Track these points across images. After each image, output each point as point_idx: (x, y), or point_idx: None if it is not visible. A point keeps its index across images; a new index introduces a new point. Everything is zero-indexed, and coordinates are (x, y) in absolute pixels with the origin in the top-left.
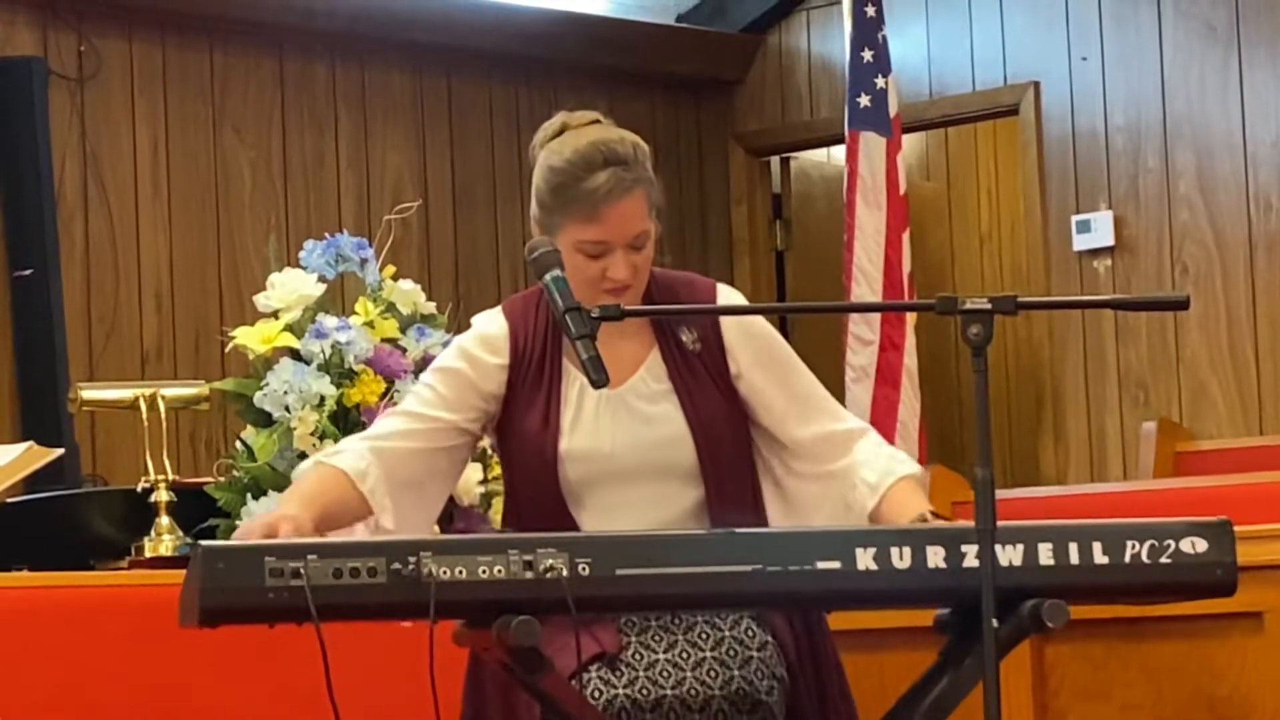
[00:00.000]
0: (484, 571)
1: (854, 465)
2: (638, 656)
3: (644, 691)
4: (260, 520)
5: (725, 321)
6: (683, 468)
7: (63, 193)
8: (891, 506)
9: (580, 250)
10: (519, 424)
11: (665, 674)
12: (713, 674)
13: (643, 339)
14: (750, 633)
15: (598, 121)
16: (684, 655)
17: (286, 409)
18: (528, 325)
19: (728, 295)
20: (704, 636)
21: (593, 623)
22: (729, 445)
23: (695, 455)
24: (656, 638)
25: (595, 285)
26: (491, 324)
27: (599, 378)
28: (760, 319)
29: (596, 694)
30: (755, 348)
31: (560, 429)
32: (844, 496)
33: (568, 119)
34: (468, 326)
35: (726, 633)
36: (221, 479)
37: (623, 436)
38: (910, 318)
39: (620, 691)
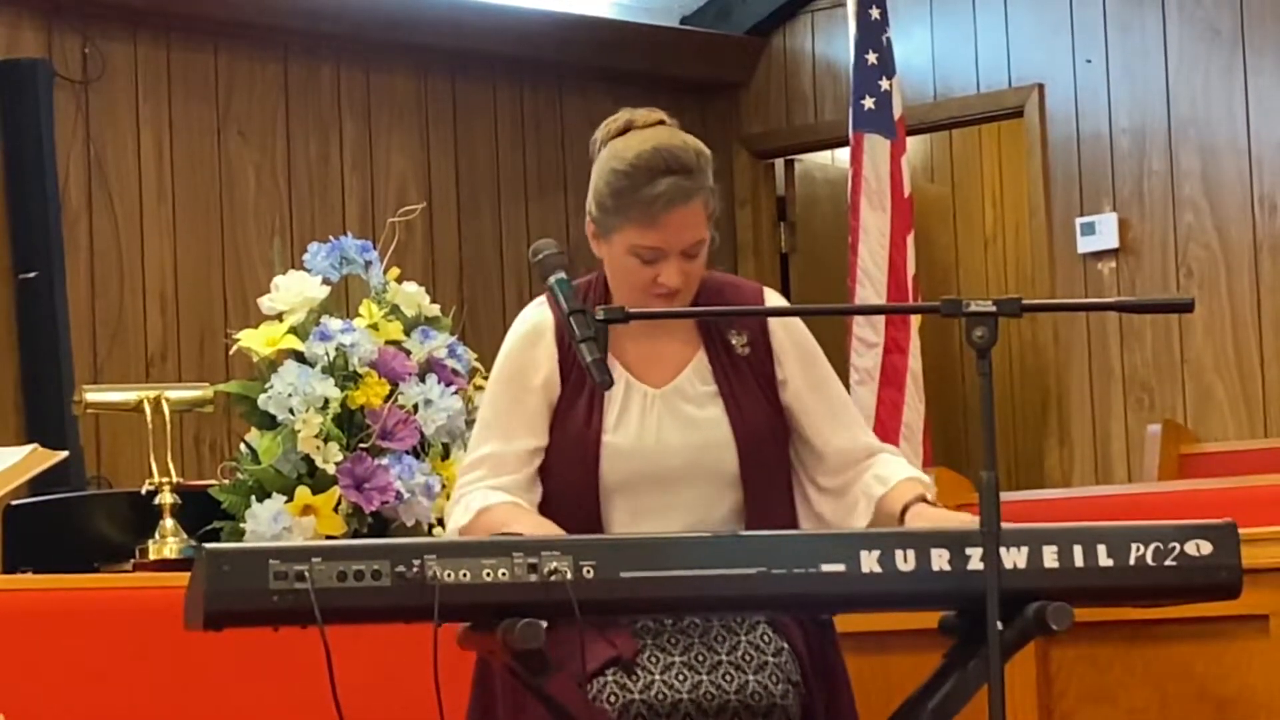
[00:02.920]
0: (488, 574)
1: (871, 464)
2: (653, 660)
3: (660, 696)
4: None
5: (772, 326)
6: (724, 473)
7: (67, 195)
8: (897, 492)
9: (634, 254)
10: (562, 418)
11: (681, 678)
12: (728, 678)
13: (690, 339)
14: (766, 638)
15: (663, 122)
16: (699, 659)
17: (291, 411)
18: None
19: (773, 300)
20: (720, 640)
21: (608, 627)
22: (771, 453)
23: (738, 461)
24: (673, 641)
25: (646, 290)
26: (536, 321)
27: (603, 380)
28: (801, 324)
29: (613, 698)
30: (801, 354)
31: (604, 426)
32: (859, 492)
33: (633, 117)
34: (472, 329)
35: (743, 637)
36: (226, 481)
37: (667, 437)
38: (915, 320)
39: (636, 696)
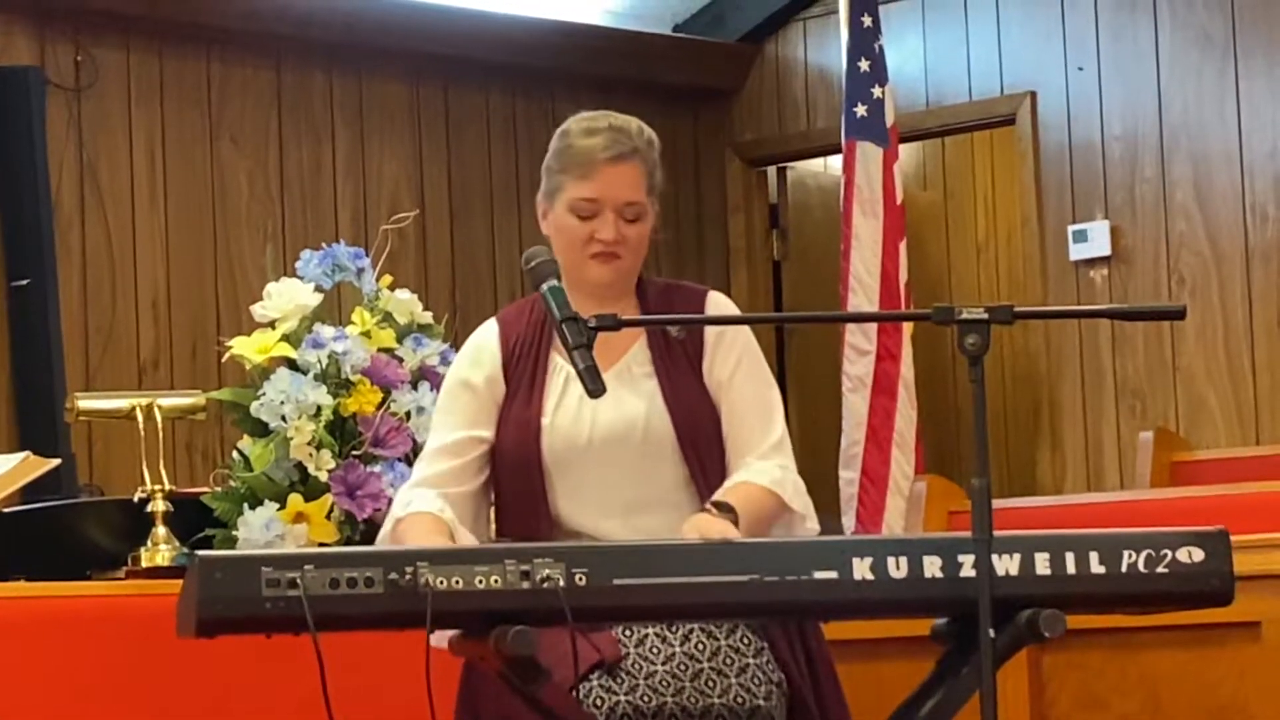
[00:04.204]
0: (480, 581)
1: (739, 467)
2: (637, 667)
3: (645, 699)
4: None
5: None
6: (661, 443)
7: (60, 202)
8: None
9: (574, 210)
10: (507, 409)
11: (665, 684)
12: (711, 684)
13: (632, 331)
14: (746, 640)
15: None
16: (682, 668)
17: (283, 419)
18: (520, 323)
19: (717, 301)
20: (700, 648)
21: (592, 631)
22: (707, 426)
23: (673, 433)
24: (654, 650)
25: (583, 248)
26: (482, 334)
27: (595, 387)
28: (744, 328)
29: (599, 701)
30: (728, 350)
31: (543, 410)
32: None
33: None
34: (464, 337)
35: (723, 641)
36: (218, 489)
37: (604, 414)
38: (907, 327)
39: (622, 698)
